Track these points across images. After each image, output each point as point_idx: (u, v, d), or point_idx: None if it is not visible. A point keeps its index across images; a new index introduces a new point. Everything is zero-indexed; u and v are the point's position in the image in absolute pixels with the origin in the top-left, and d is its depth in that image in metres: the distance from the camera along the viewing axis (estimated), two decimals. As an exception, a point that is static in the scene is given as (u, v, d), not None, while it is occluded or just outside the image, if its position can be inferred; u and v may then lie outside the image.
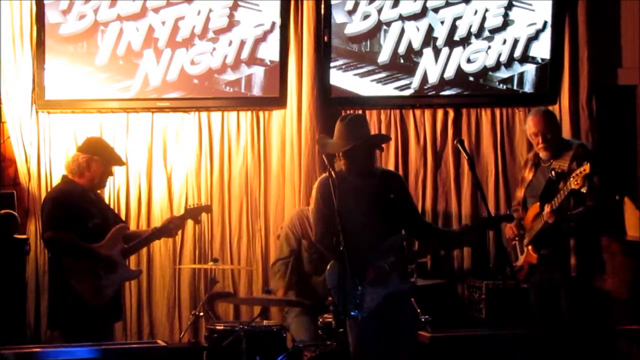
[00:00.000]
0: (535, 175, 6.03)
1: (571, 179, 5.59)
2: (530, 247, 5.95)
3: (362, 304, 5.13)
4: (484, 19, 7.20)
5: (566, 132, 7.13)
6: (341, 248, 4.93)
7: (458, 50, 7.19)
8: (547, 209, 5.76)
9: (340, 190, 5.02)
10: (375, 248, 5.25)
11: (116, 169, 6.54)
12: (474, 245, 6.97)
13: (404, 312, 5.40)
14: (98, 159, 5.89)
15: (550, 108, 7.16)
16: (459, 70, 7.20)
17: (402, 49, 7.14)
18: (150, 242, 6.27)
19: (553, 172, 5.78)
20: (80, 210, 5.78)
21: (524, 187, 6.12)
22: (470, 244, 6.20)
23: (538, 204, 5.89)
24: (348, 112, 7.11)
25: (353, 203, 5.19)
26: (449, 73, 7.20)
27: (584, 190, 5.58)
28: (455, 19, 7.17)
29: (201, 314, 6.27)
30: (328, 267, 5.27)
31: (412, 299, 5.94)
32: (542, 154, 6.00)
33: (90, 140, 6.13)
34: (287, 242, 6.38)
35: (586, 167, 5.52)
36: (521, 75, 7.29)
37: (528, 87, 7.31)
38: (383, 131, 7.14)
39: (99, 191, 6.28)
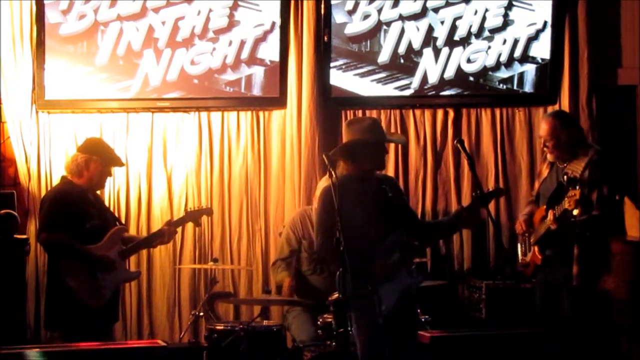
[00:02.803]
0: (550, 174, 6.02)
1: (566, 199, 5.61)
2: (536, 248, 5.96)
3: (381, 305, 5.10)
4: (484, 19, 7.20)
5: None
6: (341, 248, 4.91)
7: (458, 50, 7.19)
8: (550, 215, 5.76)
9: (345, 194, 5.00)
10: (380, 244, 5.22)
11: (116, 169, 6.54)
12: (473, 225, 6.78)
13: (413, 309, 5.38)
14: (97, 159, 5.89)
15: (550, 108, 7.19)
16: (459, 70, 7.20)
17: (402, 49, 7.14)
18: (148, 246, 6.27)
19: (565, 177, 5.76)
20: (77, 211, 5.78)
21: (539, 182, 6.14)
22: (468, 225, 6.04)
23: (544, 207, 5.89)
24: (348, 112, 7.15)
25: (357, 207, 5.16)
26: (449, 73, 7.20)
27: (576, 212, 5.59)
28: (455, 19, 7.17)
29: (201, 314, 6.27)
30: (337, 276, 5.19)
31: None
32: (548, 157, 6.00)
33: (89, 141, 6.13)
34: (288, 242, 6.38)
35: (576, 193, 5.54)
36: (521, 75, 7.29)
37: (528, 87, 7.31)
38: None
39: (99, 192, 6.29)
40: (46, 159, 6.76)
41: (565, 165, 5.90)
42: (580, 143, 6.00)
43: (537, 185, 6.19)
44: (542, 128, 5.98)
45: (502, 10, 7.22)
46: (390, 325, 5.16)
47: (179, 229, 6.41)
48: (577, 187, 5.57)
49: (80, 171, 5.88)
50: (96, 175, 5.91)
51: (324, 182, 6.01)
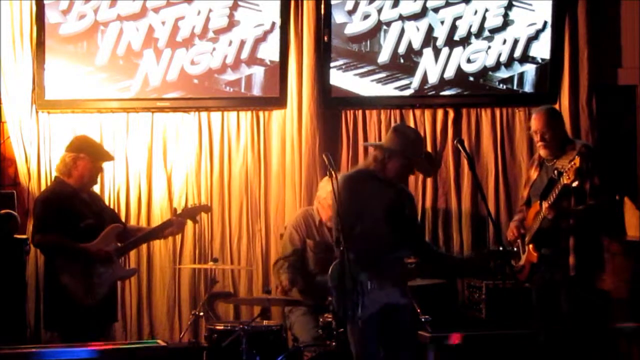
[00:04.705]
0: (539, 175, 6.01)
1: (564, 174, 5.58)
2: (531, 247, 5.93)
3: (362, 307, 5.08)
4: (484, 19, 7.20)
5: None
6: (341, 247, 4.91)
7: (458, 50, 7.19)
8: (545, 204, 5.75)
9: (362, 189, 5.03)
10: (383, 253, 5.17)
11: (117, 169, 6.56)
12: (477, 275, 6.91)
13: (403, 325, 5.27)
14: (84, 156, 5.88)
15: (550, 107, 7.19)
16: (459, 70, 7.20)
17: (402, 49, 7.14)
18: (145, 242, 6.26)
19: (555, 172, 5.76)
20: (70, 211, 5.78)
21: (528, 187, 6.11)
22: (473, 275, 6.12)
23: (538, 202, 5.88)
24: (348, 112, 7.16)
25: (371, 205, 5.15)
26: (449, 73, 7.20)
27: (575, 184, 5.56)
28: (455, 19, 7.17)
29: (201, 314, 6.27)
30: (332, 266, 5.21)
31: (412, 300, 5.92)
32: (542, 153, 5.99)
33: (76, 139, 6.12)
34: (291, 242, 6.36)
35: (576, 161, 5.49)
36: (521, 75, 7.29)
37: (528, 87, 7.31)
38: (383, 131, 7.13)
39: (98, 192, 6.29)
40: (46, 159, 6.76)
41: (554, 161, 5.90)
42: (567, 139, 6.02)
43: (525, 192, 6.13)
44: (536, 122, 5.93)
45: (502, 10, 7.22)
46: (380, 333, 5.13)
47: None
48: (577, 156, 5.52)
49: (69, 170, 5.87)
50: (86, 173, 5.89)
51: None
